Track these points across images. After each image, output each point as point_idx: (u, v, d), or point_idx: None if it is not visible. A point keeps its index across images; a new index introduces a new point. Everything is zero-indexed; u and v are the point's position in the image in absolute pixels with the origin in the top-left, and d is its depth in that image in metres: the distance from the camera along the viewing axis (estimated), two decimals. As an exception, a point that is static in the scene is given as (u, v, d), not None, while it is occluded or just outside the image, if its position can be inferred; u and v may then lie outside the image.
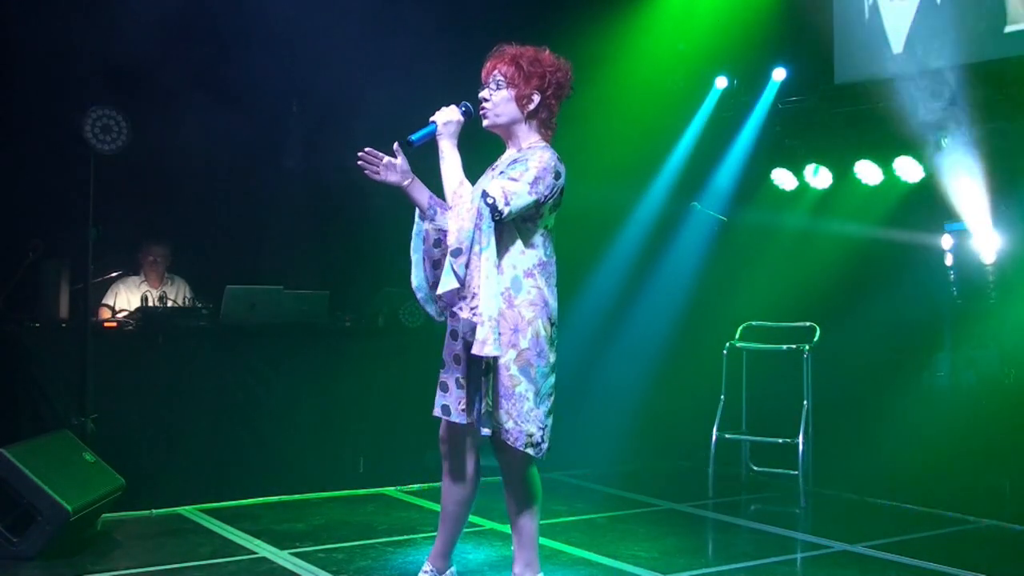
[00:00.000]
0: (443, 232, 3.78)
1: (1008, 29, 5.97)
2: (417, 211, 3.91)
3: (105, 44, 6.24)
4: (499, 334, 3.64)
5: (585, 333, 7.28)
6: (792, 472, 6.35)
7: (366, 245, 7.17)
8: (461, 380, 3.77)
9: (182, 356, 5.98)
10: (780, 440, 6.45)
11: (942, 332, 6.54)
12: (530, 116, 3.84)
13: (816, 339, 6.52)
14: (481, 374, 3.76)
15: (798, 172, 7.32)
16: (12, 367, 5.59)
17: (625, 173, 7.45)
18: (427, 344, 6.68)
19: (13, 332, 5.65)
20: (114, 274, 6.54)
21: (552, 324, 3.81)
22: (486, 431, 3.81)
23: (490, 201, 3.62)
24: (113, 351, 5.78)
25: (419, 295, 3.93)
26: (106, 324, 6.00)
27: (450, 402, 3.80)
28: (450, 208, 3.78)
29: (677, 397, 7.22)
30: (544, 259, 3.80)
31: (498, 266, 3.67)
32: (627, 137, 7.33)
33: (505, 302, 3.70)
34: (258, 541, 5.15)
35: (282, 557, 4.88)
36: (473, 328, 3.61)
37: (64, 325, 5.81)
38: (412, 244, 3.93)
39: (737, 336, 6.85)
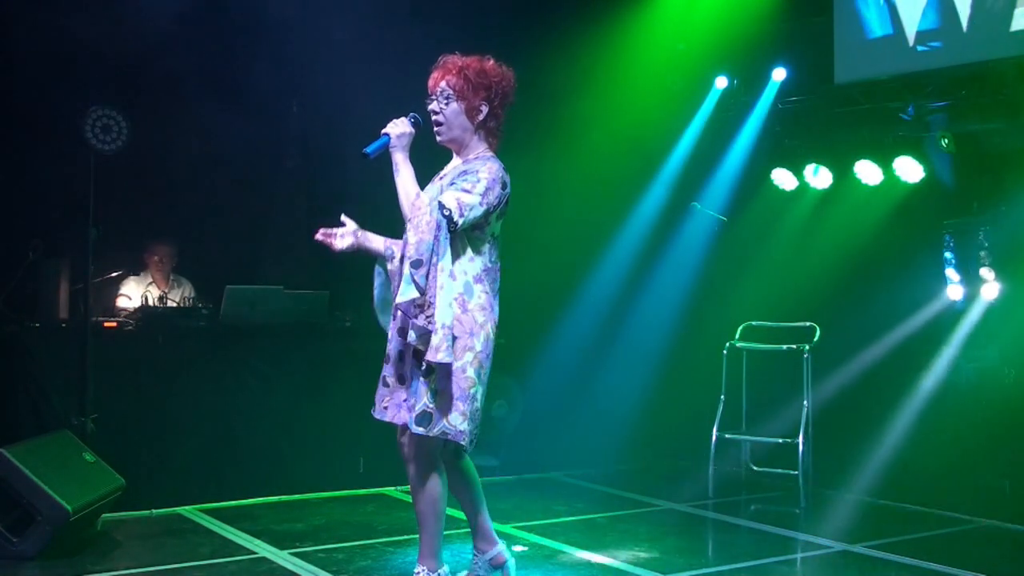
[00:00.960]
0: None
1: (1014, 28, 5.97)
2: (378, 260, 4.09)
3: (105, 44, 6.24)
4: (454, 339, 3.75)
5: (585, 333, 7.28)
6: (792, 472, 6.35)
7: (366, 245, 7.15)
8: (390, 379, 3.95)
9: (182, 356, 5.97)
10: (780, 440, 6.45)
11: (942, 332, 6.54)
12: (479, 126, 3.94)
13: (816, 339, 6.52)
14: (423, 374, 3.81)
15: (798, 172, 7.32)
16: (12, 367, 5.59)
17: (625, 173, 7.45)
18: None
19: (13, 332, 5.65)
20: (114, 274, 6.54)
21: (495, 328, 3.94)
22: (420, 430, 3.79)
23: (446, 213, 3.72)
24: (113, 351, 5.78)
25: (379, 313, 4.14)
26: (106, 324, 6.00)
27: (378, 399, 3.97)
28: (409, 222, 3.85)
29: (677, 397, 7.22)
30: (489, 265, 3.92)
31: (451, 273, 3.77)
32: (627, 137, 7.33)
33: (460, 307, 3.80)
34: (258, 541, 5.15)
35: (282, 557, 4.88)
36: (427, 335, 3.70)
37: (64, 325, 5.81)
38: (376, 283, 4.12)
39: (737, 336, 6.85)
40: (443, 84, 3.90)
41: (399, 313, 3.88)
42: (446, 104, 3.90)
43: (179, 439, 5.88)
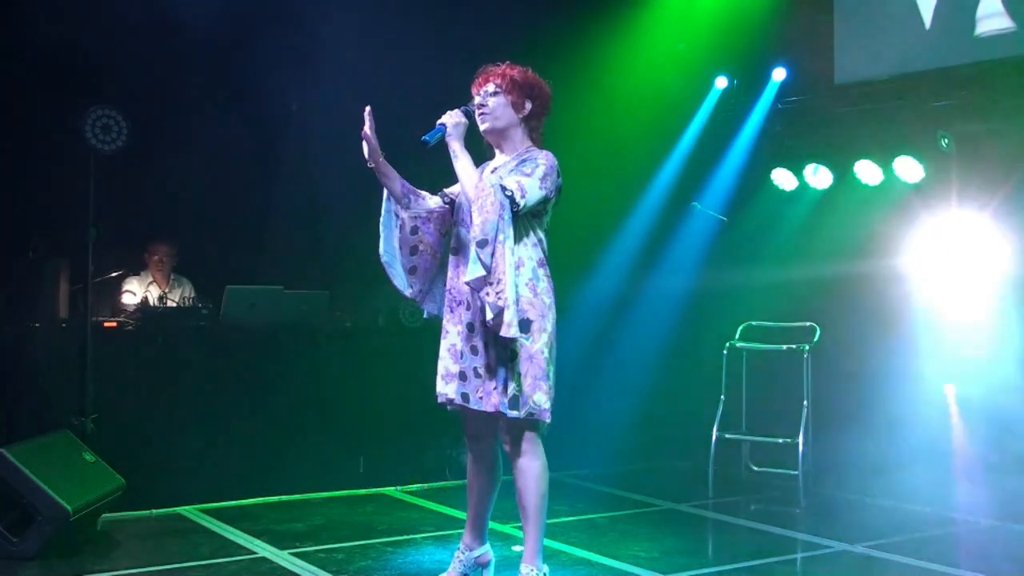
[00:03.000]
0: (420, 219, 4.16)
1: (1014, 28, 5.98)
2: (387, 194, 4.16)
3: (106, 44, 6.24)
4: (530, 322, 3.92)
5: (585, 333, 7.27)
6: (792, 472, 6.35)
7: (366, 245, 7.15)
8: (480, 370, 3.99)
9: (182, 356, 5.98)
10: (780, 440, 6.45)
11: (942, 332, 6.53)
12: (523, 121, 4.10)
13: (816, 339, 6.52)
14: (507, 360, 3.94)
15: (798, 172, 7.31)
16: (12, 367, 5.59)
17: (625, 173, 7.44)
18: (427, 344, 6.69)
19: (13, 332, 5.65)
20: (115, 274, 6.54)
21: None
22: (515, 413, 3.93)
23: (508, 194, 3.85)
24: (113, 351, 5.79)
25: (388, 269, 4.26)
26: (106, 324, 6.00)
27: (469, 391, 4.01)
28: (423, 196, 4.18)
29: (677, 397, 7.22)
30: (546, 251, 4.07)
31: (519, 259, 3.92)
32: (627, 137, 7.33)
33: (531, 292, 3.96)
34: (258, 541, 5.15)
35: (282, 557, 4.88)
36: (500, 311, 3.78)
37: (64, 325, 5.81)
38: (382, 219, 4.20)
39: (737, 336, 6.85)
40: (488, 83, 4.07)
41: (471, 305, 3.98)
42: (493, 97, 4.05)
43: (179, 439, 5.89)
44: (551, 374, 3.99)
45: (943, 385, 6.43)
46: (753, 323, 6.92)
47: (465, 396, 4.02)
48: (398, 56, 6.91)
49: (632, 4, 7.42)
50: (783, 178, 7.40)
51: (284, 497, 6.10)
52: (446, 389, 4.07)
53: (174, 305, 6.31)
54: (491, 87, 4.05)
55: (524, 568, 4.04)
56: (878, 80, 6.73)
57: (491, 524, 5.47)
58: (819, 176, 7.21)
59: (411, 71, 6.88)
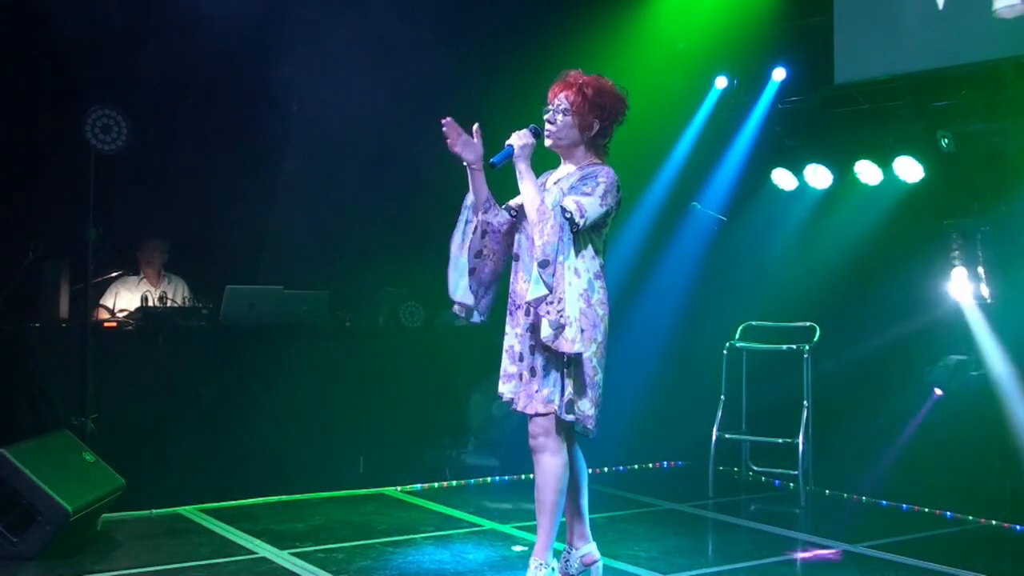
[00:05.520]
0: (491, 226, 4.22)
1: (1015, 27, 5.97)
2: (468, 199, 4.23)
3: (106, 44, 6.24)
4: (582, 331, 4.00)
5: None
6: (792, 472, 6.35)
7: (366, 245, 7.17)
8: (524, 374, 4.12)
9: (182, 356, 5.98)
10: (780, 440, 6.45)
11: (942, 332, 6.54)
12: (589, 141, 4.19)
13: (816, 339, 6.52)
14: (558, 366, 4.05)
15: (798, 172, 7.31)
16: (12, 367, 5.59)
17: (625, 173, 7.40)
18: (427, 344, 6.71)
19: (13, 332, 5.65)
20: (114, 274, 6.54)
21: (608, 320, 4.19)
22: (570, 417, 4.07)
23: (568, 215, 3.99)
24: (113, 351, 5.79)
25: (451, 271, 4.28)
26: (106, 324, 6.00)
27: (518, 393, 4.16)
28: (500, 210, 4.24)
29: (677, 397, 7.22)
30: (603, 262, 4.19)
31: (576, 271, 4.03)
32: (626, 137, 7.30)
33: (585, 302, 4.04)
34: (258, 541, 5.15)
35: (282, 557, 4.88)
36: (560, 327, 3.93)
37: (64, 325, 5.81)
38: (458, 227, 4.26)
39: (737, 336, 6.85)
40: (561, 97, 4.14)
41: (531, 311, 4.06)
42: (561, 116, 4.13)
43: (179, 439, 5.88)
44: (599, 383, 4.11)
45: (941, 385, 6.43)
46: (753, 323, 6.92)
47: (512, 399, 4.17)
48: (398, 56, 6.91)
49: (632, 4, 7.41)
50: (783, 178, 7.40)
51: (284, 497, 6.09)
52: (503, 388, 4.21)
53: (172, 303, 6.31)
54: (563, 102, 4.10)
55: (533, 562, 4.09)
56: (878, 80, 6.73)
57: (490, 524, 5.50)
58: (819, 176, 7.21)
59: (411, 71, 6.87)
